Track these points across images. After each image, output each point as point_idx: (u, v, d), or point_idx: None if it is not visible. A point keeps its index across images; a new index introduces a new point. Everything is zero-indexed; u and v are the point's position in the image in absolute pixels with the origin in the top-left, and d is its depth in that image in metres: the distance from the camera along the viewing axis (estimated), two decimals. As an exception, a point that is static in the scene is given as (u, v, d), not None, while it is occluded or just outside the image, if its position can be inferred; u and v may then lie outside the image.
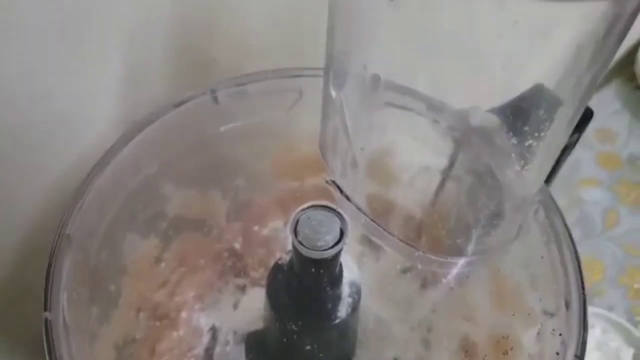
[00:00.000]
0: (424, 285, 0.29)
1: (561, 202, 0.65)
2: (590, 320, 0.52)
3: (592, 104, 0.73)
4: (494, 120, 0.24)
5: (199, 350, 0.32)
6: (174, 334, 0.32)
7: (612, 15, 0.16)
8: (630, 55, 0.72)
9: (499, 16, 0.17)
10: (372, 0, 0.18)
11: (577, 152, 0.61)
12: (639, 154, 0.67)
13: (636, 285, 0.57)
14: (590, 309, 0.52)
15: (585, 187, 0.64)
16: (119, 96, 0.30)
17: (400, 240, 0.22)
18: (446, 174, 0.27)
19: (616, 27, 0.17)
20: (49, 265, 0.22)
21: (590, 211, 0.63)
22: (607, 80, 0.73)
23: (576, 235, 0.60)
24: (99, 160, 0.26)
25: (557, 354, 0.20)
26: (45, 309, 0.22)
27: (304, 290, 0.25)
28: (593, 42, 0.17)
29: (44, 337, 0.21)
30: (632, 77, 0.71)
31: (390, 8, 0.18)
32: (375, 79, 0.20)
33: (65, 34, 0.26)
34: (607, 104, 0.70)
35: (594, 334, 0.51)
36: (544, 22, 0.18)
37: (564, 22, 0.17)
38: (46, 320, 0.21)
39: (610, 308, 0.55)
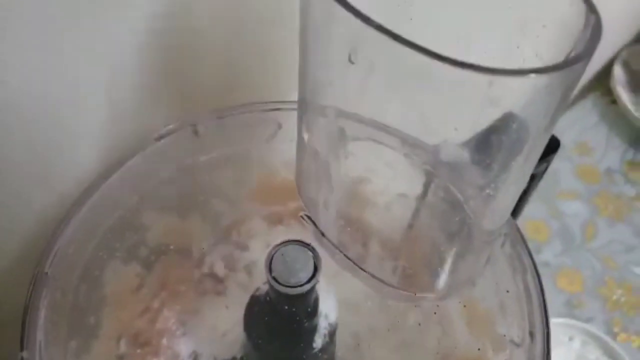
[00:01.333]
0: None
1: (542, 214, 0.66)
2: (570, 332, 0.53)
3: (570, 117, 0.74)
4: (462, 154, 0.25)
5: (181, 376, 0.32)
6: (155, 361, 0.32)
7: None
8: (605, 70, 0.73)
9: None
10: (334, 58, 0.19)
11: (556, 165, 0.62)
12: (616, 167, 0.68)
13: (614, 297, 0.58)
14: (570, 322, 0.53)
15: (564, 200, 0.66)
16: (99, 134, 0.31)
17: (373, 276, 0.23)
18: (420, 202, 0.28)
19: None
20: (26, 305, 0.23)
21: (570, 223, 0.64)
22: (584, 94, 0.74)
23: (556, 247, 0.62)
24: (78, 197, 0.26)
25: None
26: (21, 349, 0.22)
27: (280, 322, 0.26)
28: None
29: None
30: (607, 91, 0.73)
31: (351, 66, 0.18)
32: (341, 132, 0.20)
33: (50, 67, 0.26)
34: (585, 118, 0.72)
35: (574, 346, 0.53)
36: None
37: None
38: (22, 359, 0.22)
39: (589, 320, 0.56)
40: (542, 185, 0.61)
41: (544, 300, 0.23)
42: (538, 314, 0.23)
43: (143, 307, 0.33)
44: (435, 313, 0.26)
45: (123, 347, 0.32)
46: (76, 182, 0.30)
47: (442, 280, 0.23)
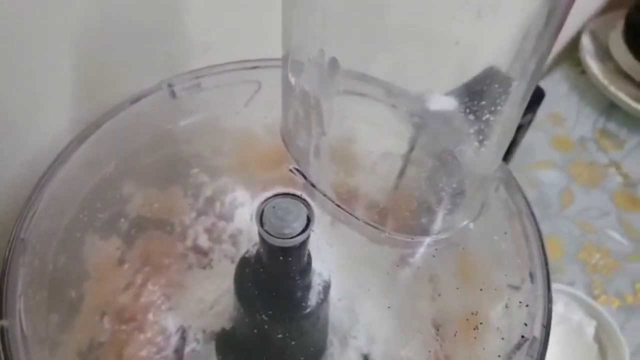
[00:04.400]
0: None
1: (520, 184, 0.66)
2: (553, 296, 0.53)
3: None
4: (450, 103, 0.24)
5: (168, 351, 0.31)
6: (142, 337, 0.31)
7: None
8: (574, 42, 0.74)
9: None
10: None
11: (530, 136, 0.63)
12: (589, 135, 0.70)
13: (593, 261, 0.59)
14: (552, 285, 0.54)
15: (540, 169, 0.67)
16: (71, 97, 0.29)
17: (367, 223, 0.22)
18: (407, 157, 0.27)
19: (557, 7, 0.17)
20: (3, 271, 0.21)
21: (547, 191, 0.65)
22: (554, 65, 0.75)
23: (535, 215, 0.62)
24: (53, 161, 0.25)
25: (525, 324, 0.21)
26: (0, 317, 0.21)
27: (273, 281, 0.25)
28: (538, 21, 0.18)
29: (1, 346, 0.20)
30: (577, 62, 0.74)
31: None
32: (333, 63, 0.20)
33: (11, 34, 0.25)
34: (555, 89, 0.73)
35: (557, 309, 0.53)
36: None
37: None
38: (2, 328, 0.20)
39: (571, 283, 0.57)
40: (518, 156, 0.62)
41: (541, 241, 0.23)
42: (537, 255, 0.22)
43: (126, 282, 0.32)
44: (433, 256, 0.26)
45: (107, 323, 0.30)
46: (49, 148, 0.28)
47: (437, 224, 0.23)
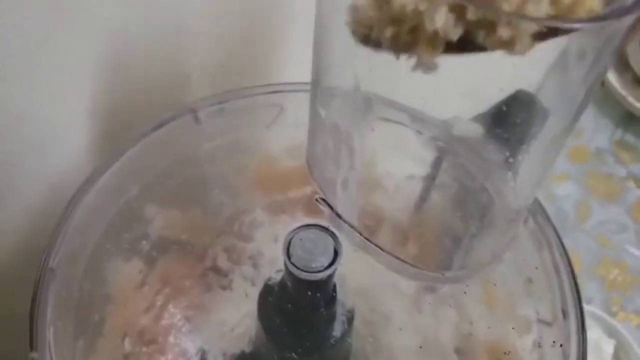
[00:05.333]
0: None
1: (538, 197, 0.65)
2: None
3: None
4: (476, 129, 0.24)
5: (189, 373, 0.31)
6: (162, 359, 0.31)
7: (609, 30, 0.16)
8: (593, 51, 0.73)
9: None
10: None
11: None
12: (606, 147, 0.69)
13: (611, 276, 0.58)
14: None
15: (556, 182, 0.66)
16: (94, 121, 0.29)
17: (396, 257, 0.22)
18: (431, 181, 0.27)
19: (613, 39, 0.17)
20: (33, 302, 0.21)
21: (563, 205, 0.64)
22: (573, 76, 0.74)
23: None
24: (79, 188, 0.25)
25: (559, 365, 0.20)
26: (31, 349, 0.21)
27: (298, 311, 0.25)
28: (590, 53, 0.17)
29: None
30: (596, 72, 0.73)
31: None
32: (368, 100, 0.19)
33: (38, 59, 0.25)
34: (574, 100, 0.72)
35: (574, 326, 0.53)
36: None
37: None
38: (33, 361, 0.20)
39: (589, 300, 0.56)
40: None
41: (573, 275, 0.22)
42: (569, 290, 0.22)
43: (147, 304, 0.32)
44: (465, 292, 0.25)
45: (128, 345, 0.30)
46: (71, 175, 0.28)
47: (467, 258, 0.23)
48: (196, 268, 0.34)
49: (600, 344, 0.50)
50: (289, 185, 0.35)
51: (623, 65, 0.71)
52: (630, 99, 0.68)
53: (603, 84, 0.71)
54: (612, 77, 0.70)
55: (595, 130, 0.70)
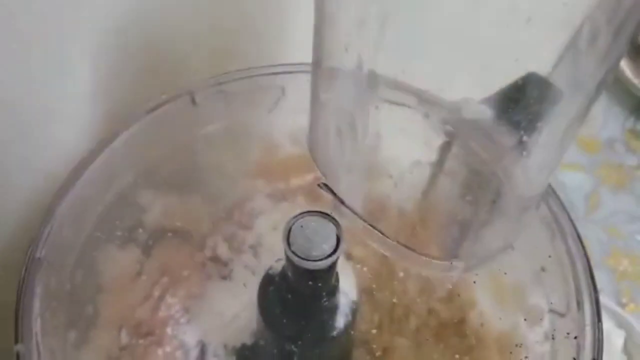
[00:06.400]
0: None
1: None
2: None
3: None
4: (486, 112, 0.23)
5: (187, 366, 0.30)
6: (160, 352, 0.30)
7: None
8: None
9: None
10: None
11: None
12: (617, 136, 0.67)
13: (621, 268, 0.57)
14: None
15: (565, 172, 0.64)
16: (89, 104, 0.28)
17: (402, 244, 0.21)
18: (439, 167, 0.26)
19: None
20: (19, 293, 0.20)
21: (572, 195, 0.63)
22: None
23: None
24: (70, 174, 0.24)
25: (574, 359, 0.19)
26: (16, 341, 0.20)
27: (299, 301, 0.24)
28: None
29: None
30: (607, 59, 0.71)
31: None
32: (372, 77, 0.18)
33: (31, 41, 0.24)
34: (584, 87, 0.70)
35: (583, 318, 0.51)
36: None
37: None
38: (17, 353, 0.19)
39: (599, 291, 0.55)
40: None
41: (589, 265, 0.21)
42: (584, 280, 0.21)
43: (144, 295, 0.31)
44: (474, 282, 0.24)
45: (124, 337, 0.29)
46: (64, 160, 0.27)
47: (476, 246, 0.21)
48: (195, 257, 0.33)
49: (610, 336, 0.49)
50: (289, 172, 0.33)
51: (635, 52, 0.69)
52: (643, 87, 0.66)
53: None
54: (625, 65, 0.68)
55: (607, 119, 0.68)
